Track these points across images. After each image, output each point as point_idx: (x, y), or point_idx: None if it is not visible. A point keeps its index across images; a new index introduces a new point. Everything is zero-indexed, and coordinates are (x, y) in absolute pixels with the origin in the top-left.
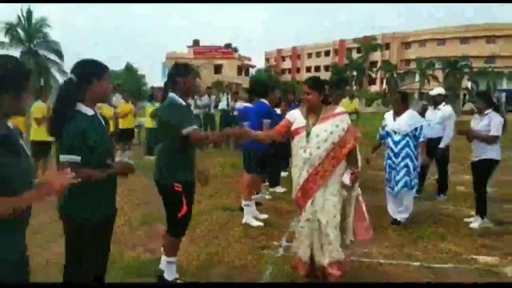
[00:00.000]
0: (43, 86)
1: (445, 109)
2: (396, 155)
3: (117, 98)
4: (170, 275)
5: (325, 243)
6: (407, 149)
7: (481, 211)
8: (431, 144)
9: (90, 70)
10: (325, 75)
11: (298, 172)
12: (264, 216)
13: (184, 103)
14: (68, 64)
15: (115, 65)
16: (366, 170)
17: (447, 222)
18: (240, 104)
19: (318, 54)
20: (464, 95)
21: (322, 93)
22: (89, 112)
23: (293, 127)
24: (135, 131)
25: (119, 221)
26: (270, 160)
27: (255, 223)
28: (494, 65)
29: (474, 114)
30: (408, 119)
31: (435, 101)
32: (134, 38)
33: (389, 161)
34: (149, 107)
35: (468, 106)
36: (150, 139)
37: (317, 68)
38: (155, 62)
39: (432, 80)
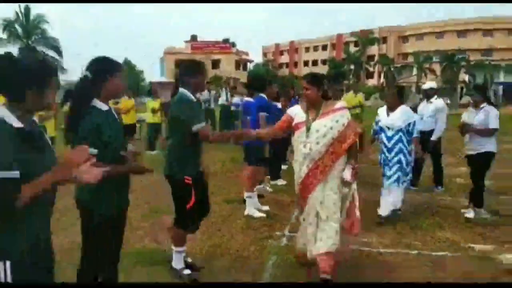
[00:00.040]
0: None
1: (437, 102)
2: (389, 150)
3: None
4: (178, 264)
5: (320, 235)
6: (400, 145)
7: (478, 202)
8: (424, 137)
9: (104, 67)
10: (322, 69)
11: (299, 167)
12: (266, 208)
13: (194, 99)
14: (68, 62)
15: None
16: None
17: (445, 213)
18: (237, 99)
19: (315, 48)
20: (462, 88)
21: (321, 89)
22: (104, 107)
23: (294, 122)
24: (136, 126)
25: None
26: (270, 153)
27: (258, 214)
28: (491, 58)
29: (468, 108)
30: (401, 115)
31: (427, 95)
32: (134, 38)
33: (382, 156)
34: (150, 102)
35: (466, 99)
36: (151, 134)
37: (315, 62)
38: (154, 59)
39: (430, 73)
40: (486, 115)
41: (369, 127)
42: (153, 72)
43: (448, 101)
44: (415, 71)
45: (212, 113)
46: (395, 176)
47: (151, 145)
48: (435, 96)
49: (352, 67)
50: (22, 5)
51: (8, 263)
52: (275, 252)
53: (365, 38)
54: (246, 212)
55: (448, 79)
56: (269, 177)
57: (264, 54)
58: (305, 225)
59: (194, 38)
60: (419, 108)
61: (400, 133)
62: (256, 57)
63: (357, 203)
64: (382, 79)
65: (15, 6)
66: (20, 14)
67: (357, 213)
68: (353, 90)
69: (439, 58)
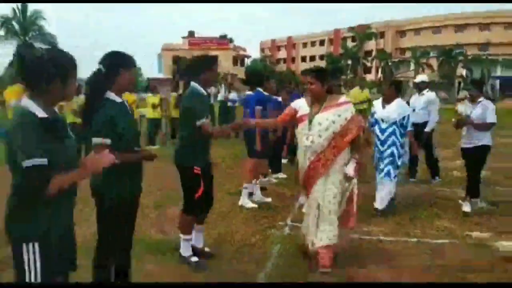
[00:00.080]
0: None
1: (429, 94)
2: (382, 143)
3: None
4: (186, 251)
5: (322, 228)
6: (393, 137)
7: (474, 193)
8: (417, 129)
9: (117, 61)
10: (320, 65)
11: (302, 159)
12: (269, 199)
13: (205, 93)
14: None
15: None
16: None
17: (443, 204)
18: (233, 95)
19: (313, 44)
20: (459, 83)
21: (325, 83)
22: (118, 99)
23: (298, 115)
24: (137, 121)
25: None
26: (272, 146)
27: (250, 205)
28: (488, 53)
29: (464, 101)
30: (397, 107)
31: (419, 88)
32: (134, 38)
33: (376, 149)
34: (150, 98)
35: (463, 94)
36: (151, 129)
37: (312, 58)
38: (152, 56)
39: (427, 68)
40: (484, 110)
41: None
42: (151, 68)
43: (447, 96)
44: (412, 66)
45: (212, 109)
46: (386, 170)
47: (151, 140)
48: (427, 89)
49: (349, 62)
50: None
51: (36, 245)
52: (278, 241)
53: (362, 33)
54: (239, 203)
55: (446, 74)
56: (270, 170)
57: (262, 50)
58: (306, 216)
59: (191, 34)
60: (411, 101)
61: (394, 126)
62: (254, 53)
63: (355, 198)
64: (379, 74)
65: (12, 3)
66: (17, 11)
67: (355, 207)
68: (359, 85)
69: (436, 53)
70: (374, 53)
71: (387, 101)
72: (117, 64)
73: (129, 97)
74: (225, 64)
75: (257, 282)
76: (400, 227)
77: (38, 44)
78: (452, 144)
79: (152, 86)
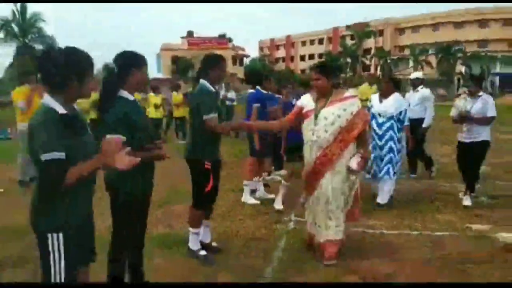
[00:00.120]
0: (38, 81)
1: (423, 91)
2: (380, 137)
3: None
4: (194, 245)
5: (329, 223)
6: (391, 132)
7: (472, 188)
8: (411, 125)
9: (130, 61)
10: None
11: (308, 154)
12: (272, 196)
13: (213, 90)
14: None
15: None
16: None
17: (444, 199)
18: (231, 94)
19: (312, 42)
20: (458, 79)
21: (331, 78)
22: (130, 97)
23: (303, 111)
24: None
25: None
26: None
27: (252, 201)
28: (487, 49)
29: (462, 96)
30: (394, 102)
31: (414, 84)
32: (133, 38)
33: (373, 143)
34: (152, 97)
35: (463, 90)
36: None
37: (311, 56)
38: (152, 58)
39: (426, 65)
40: (484, 104)
41: None
42: (150, 68)
43: (446, 93)
44: (411, 64)
45: (220, 107)
46: (385, 169)
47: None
48: (421, 86)
49: (348, 60)
50: (18, 3)
51: (60, 235)
52: (284, 235)
53: (361, 31)
54: (242, 199)
55: (445, 71)
56: (273, 167)
57: (261, 49)
58: (311, 210)
59: (190, 34)
60: (406, 97)
61: (392, 121)
62: (253, 52)
63: (358, 191)
64: (378, 72)
65: (11, 5)
66: (16, 13)
67: (360, 201)
68: (368, 82)
69: (435, 50)
70: (373, 51)
71: (384, 95)
72: (129, 64)
73: (135, 96)
74: None
75: (257, 283)
76: (402, 220)
77: (37, 46)
78: (450, 141)
79: (154, 86)
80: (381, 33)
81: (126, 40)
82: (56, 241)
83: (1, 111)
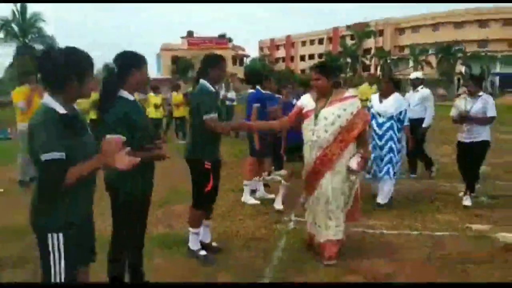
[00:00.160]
0: (38, 81)
1: (423, 91)
2: (380, 137)
3: None
4: (194, 245)
5: (330, 223)
6: (391, 132)
7: (471, 188)
8: (412, 124)
9: (130, 61)
10: None
11: (308, 154)
12: (272, 196)
13: (214, 90)
14: None
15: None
16: None
17: (444, 199)
18: (231, 94)
19: (312, 42)
20: (458, 79)
21: (330, 78)
22: (131, 97)
23: (304, 110)
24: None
25: None
26: (275, 144)
27: (252, 201)
28: (487, 49)
29: (462, 95)
30: (394, 102)
31: (414, 84)
32: (133, 38)
33: (373, 143)
34: (152, 98)
35: (462, 90)
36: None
37: (311, 56)
38: (152, 58)
39: (426, 65)
40: (484, 104)
41: None
42: (150, 68)
43: (446, 93)
44: (411, 64)
45: (220, 107)
46: (385, 169)
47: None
48: (421, 86)
49: (348, 60)
50: (18, 3)
51: (61, 235)
52: (284, 235)
53: (361, 31)
54: (242, 199)
55: (445, 71)
56: (273, 167)
57: (261, 49)
58: (311, 210)
59: (190, 34)
60: (406, 97)
61: (392, 121)
62: (253, 52)
63: (358, 191)
64: (378, 72)
65: (11, 5)
66: (16, 13)
67: (359, 201)
68: (368, 82)
69: (435, 50)
70: (373, 51)
71: (384, 95)
72: (129, 64)
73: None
74: None
75: (257, 283)
76: (402, 220)
77: (37, 46)
78: (450, 141)
79: (154, 86)
80: (381, 33)
81: (126, 40)
82: (56, 241)
83: (1, 111)
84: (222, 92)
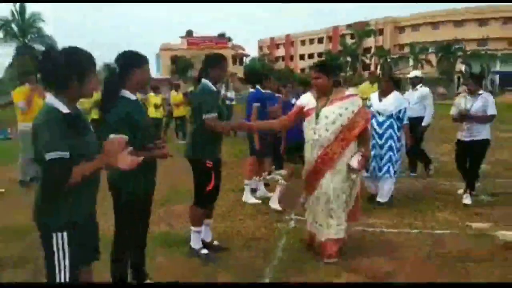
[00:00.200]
0: (38, 81)
1: (422, 89)
2: (380, 136)
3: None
4: (196, 244)
5: (331, 222)
6: (390, 131)
7: (472, 186)
8: (411, 123)
9: (131, 61)
10: None
11: (309, 153)
12: (271, 194)
13: (215, 89)
14: None
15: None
16: None
17: (444, 198)
18: (230, 93)
19: (311, 41)
20: (458, 78)
21: (331, 76)
22: (132, 97)
23: (304, 109)
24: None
25: None
26: (275, 144)
27: (252, 200)
28: (487, 48)
29: (462, 94)
30: (394, 100)
31: (413, 83)
32: (132, 38)
33: (373, 141)
34: (152, 97)
35: (462, 89)
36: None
37: (311, 56)
38: (151, 58)
39: (426, 64)
40: (485, 102)
41: None
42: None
43: (446, 92)
44: (411, 62)
45: (222, 106)
46: (385, 168)
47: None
48: (420, 84)
49: (348, 59)
50: (18, 4)
51: (65, 234)
52: (284, 235)
53: (361, 30)
54: (243, 198)
55: (445, 69)
56: (273, 167)
57: (260, 48)
58: (311, 210)
59: (189, 33)
60: (405, 96)
61: (391, 119)
62: (252, 51)
63: (359, 190)
64: (378, 71)
65: (10, 5)
66: (15, 13)
67: (360, 200)
68: (369, 80)
69: (435, 49)
70: (373, 50)
71: (384, 94)
72: (130, 64)
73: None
74: None
75: (258, 283)
76: (402, 219)
77: (37, 46)
78: (450, 140)
79: (154, 86)
80: (381, 32)
81: (126, 40)
82: (60, 240)
83: (1, 111)
84: (222, 92)
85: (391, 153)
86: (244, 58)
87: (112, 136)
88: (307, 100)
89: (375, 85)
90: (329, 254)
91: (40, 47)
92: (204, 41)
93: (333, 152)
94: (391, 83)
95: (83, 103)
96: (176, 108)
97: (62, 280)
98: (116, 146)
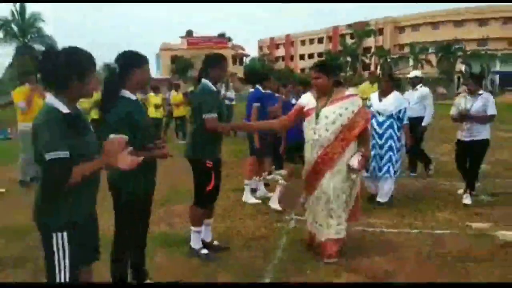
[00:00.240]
0: (38, 81)
1: (422, 89)
2: (380, 136)
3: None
4: (196, 244)
5: (331, 222)
6: (390, 131)
7: (472, 186)
8: (411, 123)
9: (131, 61)
10: None
11: (309, 153)
12: (271, 194)
13: (215, 89)
14: None
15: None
16: None
17: (444, 198)
18: (230, 93)
19: (311, 41)
20: (458, 78)
21: (331, 76)
22: (133, 97)
23: (305, 109)
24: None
25: None
26: (274, 144)
27: (252, 200)
28: (487, 48)
29: (462, 94)
30: (394, 100)
31: (413, 83)
32: (132, 38)
33: (373, 141)
34: (152, 97)
35: (462, 89)
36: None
37: (311, 56)
38: (151, 58)
39: (426, 64)
40: (485, 102)
41: None
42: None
43: (446, 92)
44: (411, 62)
45: (221, 106)
46: (385, 168)
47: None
48: (420, 84)
49: (348, 59)
50: (18, 4)
51: (65, 234)
52: (284, 235)
53: (361, 30)
54: (243, 199)
55: (445, 69)
56: (273, 167)
57: (260, 48)
58: (311, 210)
59: (189, 33)
60: (405, 96)
61: (392, 119)
62: (252, 51)
63: (358, 191)
64: (378, 71)
65: (10, 5)
66: (15, 13)
67: (360, 200)
68: (369, 80)
69: (435, 49)
70: (373, 50)
71: (384, 94)
72: (130, 64)
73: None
74: None
75: (258, 283)
76: (402, 219)
77: (37, 46)
78: (450, 139)
79: (154, 86)
80: (381, 31)
81: (126, 40)
82: (60, 240)
83: (1, 111)
84: (222, 91)
85: (391, 153)
86: (244, 58)
87: (112, 136)
88: (307, 100)
89: (375, 85)
90: (329, 254)
91: (40, 47)
92: (204, 41)
93: (333, 152)
94: (391, 83)
95: (83, 103)
96: (176, 108)
97: (62, 280)
98: (116, 146)
